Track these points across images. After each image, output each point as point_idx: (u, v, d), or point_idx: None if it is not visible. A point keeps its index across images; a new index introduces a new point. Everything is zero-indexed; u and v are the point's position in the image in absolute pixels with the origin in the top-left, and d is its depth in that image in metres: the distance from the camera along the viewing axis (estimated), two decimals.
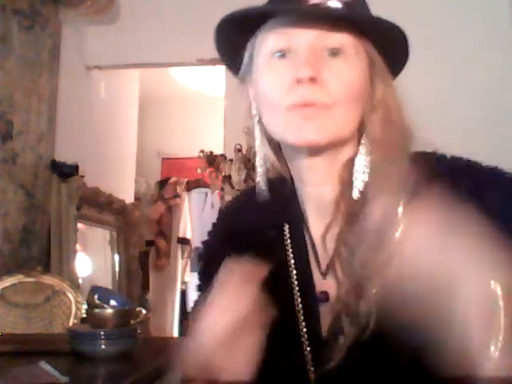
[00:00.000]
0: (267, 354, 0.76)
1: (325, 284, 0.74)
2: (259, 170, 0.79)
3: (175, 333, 4.52)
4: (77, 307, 2.22)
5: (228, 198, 3.14)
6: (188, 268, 4.68)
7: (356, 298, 0.66)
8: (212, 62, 3.23)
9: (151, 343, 1.80)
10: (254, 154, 0.80)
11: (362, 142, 0.73)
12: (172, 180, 4.70)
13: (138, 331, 1.44)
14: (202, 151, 3.34)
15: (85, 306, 2.16)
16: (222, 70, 3.30)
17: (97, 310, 1.49)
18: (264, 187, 0.79)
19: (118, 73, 3.81)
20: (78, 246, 3.09)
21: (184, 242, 4.62)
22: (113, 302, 1.71)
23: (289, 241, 0.79)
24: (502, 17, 2.91)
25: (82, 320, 2.08)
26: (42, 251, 2.86)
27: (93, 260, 3.45)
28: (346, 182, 0.73)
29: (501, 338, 0.55)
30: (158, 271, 4.49)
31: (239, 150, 3.07)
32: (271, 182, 0.80)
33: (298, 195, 0.80)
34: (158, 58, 3.39)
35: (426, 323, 0.64)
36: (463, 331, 0.58)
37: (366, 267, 0.66)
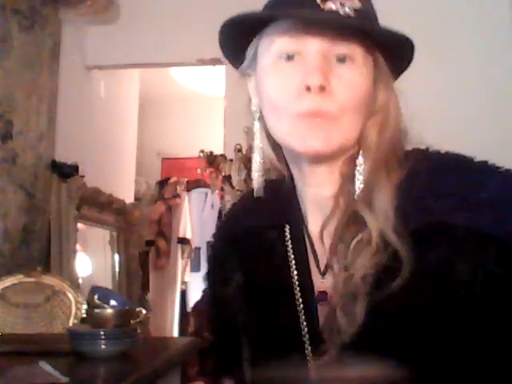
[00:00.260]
0: (268, 352, 0.76)
1: (324, 283, 0.74)
2: (257, 167, 0.79)
3: (175, 333, 4.52)
4: (77, 307, 2.21)
5: (228, 198, 3.14)
6: (188, 268, 4.67)
7: (352, 297, 0.67)
8: (212, 61, 3.23)
9: (151, 343, 1.80)
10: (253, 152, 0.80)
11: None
12: (172, 180, 4.70)
13: (138, 331, 1.45)
14: (202, 151, 3.34)
15: (85, 306, 2.16)
16: (221, 69, 3.30)
17: (97, 310, 1.49)
18: (260, 185, 0.79)
19: (118, 73, 3.81)
20: (78, 246, 3.09)
21: (184, 242, 4.62)
22: (113, 302, 1.72)
23: (289, 241, 0.79)
24: (501, 17, 2.91)
25: (82, 320, 2.08)
26: (42, 251, 2.86)
27: (93, 260, 3.45)
28: (346, 178, 0.73)
29: None
30: (157, 271, 4.49)
31: (239, 150, 3.07)
32: (271, 182, 0.80)
33: (297, 194, 0.80)
34: (158, 58, 3.39)
35: (420, 321, 0.65)
36: None
37: (361, 265, 0.67)
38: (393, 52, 0.72)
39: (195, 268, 4.68)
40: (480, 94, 2.83)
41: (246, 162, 3.04)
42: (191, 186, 4.71)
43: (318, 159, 0.73)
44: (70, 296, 2.25)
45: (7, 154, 2.63)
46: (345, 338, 0.67)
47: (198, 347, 1.94)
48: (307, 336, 0.73)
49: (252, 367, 0.79)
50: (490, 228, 0.64)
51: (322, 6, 0.68)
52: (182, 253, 4.63)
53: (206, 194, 4.63)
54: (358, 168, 0.72)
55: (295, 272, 0.76)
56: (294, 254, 0.78)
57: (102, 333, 1.34)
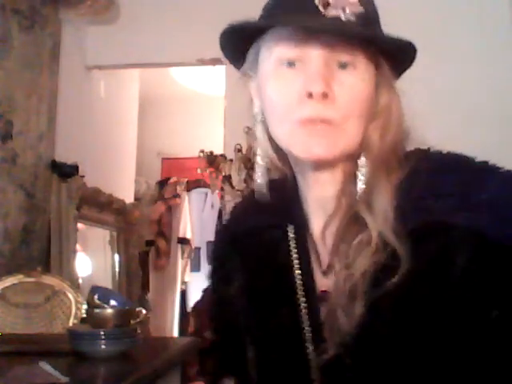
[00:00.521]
0: (270, 351, 0.77)
1: (326, 283, 0.75)
2: (260, 169, 0.79)
3: (175, 333, 4.52)
4: (77, 307, 2.21)
5: (228, 197, 3.14)
6: (188, 268, 4.67)
7: (352, 296, 0.67)
8: (212, 61, 3.23)
9: (151, 343, 1.80)
10: (254, 154, 0.80)
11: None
12: (172, 180, 4.70)
13: (138, 331, 1.45)
14: (202, 151, 3.34)
15: (85, 306, 2.16)
16: (221, 69, 3.30)
17: (97, 310, 1.49)
18: (264, 188, 0.78)
19: (118, 73, 3.81)
20: (78, 246, 3.09)
21: (184, 242, 4.62)
22: (113, 302, 1.72)
23: (293, 241, 0.79)
24: (501, 17, 2.91)
25: (82, 320, 2.08)
26: (42, 251, 2.86)
27: (93, 260, 3.45)
28: (348, 178, 0.73)
29: None
30: (157, 271, 4.49)
31: (239, 150, 3.07)
32: (273, 182, 0.80)
33: (300, 194, 0.80)
34: (158, 58, 3.39)
35: (418, 320, 0.65)
36: None
37: (361, 265, 0.67)
38: (395, 55, 0.72)
39: (195, 268, 4.68)
40: (480, 94, 2.82)
41: (246, 161, 3.04)
42: (191, 185, 4.71)
43: (321, 164, 0.73)
44: (70, 296, 2.25)
45: (7, 153, 2.63)
46: (345, 337, 0.67)
47: (198, 347, 1.95)
48: (309, 335, 0.74)
49: (256, 367, 0.79)
50: (488, 229, 0.64)
51: (323, 11, 0.67)
52: (182, 253, 4.63)
53: (206, 194, 4.63)
54: (359, 169, 0.72)
55: (298, 271, 0.77)
56: (296, 253, 0.78)
57: (101, 333, 1.34)
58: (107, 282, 3.51)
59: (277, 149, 0.77)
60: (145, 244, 4.13)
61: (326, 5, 0.67)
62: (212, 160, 3.29)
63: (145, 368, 1.35)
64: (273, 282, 0.79)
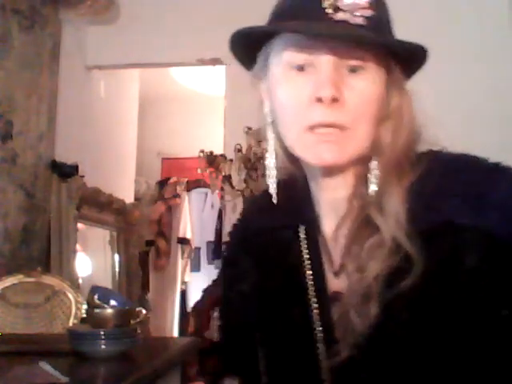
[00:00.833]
0: (282, 350, 0.77)
1: (338, 284, 0.74)
2: (269, 171, 0.78)
3: (175, 333, 4.52)
4: (77, 307, 2.21)
5: (228, 197, 3.14)
6: (188, 268, 4.68)
7: (365, 298, 0.67)
8: (212, 61, 3.24)
9: (151, 343, 1.80)
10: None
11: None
12: (172, 180, 4.70)
13: (138, 331, 1.44)
14: (202, 151, 3.34)
15: (85, 306, 2.16)
16: (222, 69, 3.30)
17: (97, 310, 1.49)
18: (275, 191, 0.78)
19: (118, 73, 3.81)
20: (78, 246, 3.09)
21: (184, 242, 4.62)
22: (113, 302, 1.72)
23: (304, 241, 0.79)
24: (501, 17, 2.91)
25: (82, 320, 2.08)
26: (42, 251, 2.86)
27: (93, 260, 3.45)
28: (360, 180, 0.73)
29: None
30: (157, 271, 4.49)
31: (239, 150, 3.07)
32: (283, 182, 0.80)
33: (311, 195, 0.80)
34: (158, 58, 3.39)
35: (431, 321, 0.65)
36: None
37: (374, 268, 0.67)
38: (405, 58, 0.71)
39: (195, 268, 4.69)
40: (479, 94, 2.82)
41: (246, 161, 3.04)
42: (191, 185, 4.71)
43: (331, 169, 0.73)
44: (70, 296, 2.25)
45: (7, 153, 2.63)
46: (358, 338, 0.67)
47: (198, 347, 1.95)
48: (320, 335, 0.74)
49: (265, 366, 0.79)
50: (498, 230, 0.65)
51: (332, 16, 0.66)
52: (182, 253, 4.63)
53: (206, 194, 4.63)
54: (371, 172, 0.72)
55: (309, 272, 0.77)
56: (308, 254, 0.78)
57: (102, 333, 1.34)
58: (107, 282, 3.51)
59: (286, 150, 0.77)
60: (145, 244, 4.13)
61: (335, 9, 0.66)
62: (212, 160, 3.29)
63: (145, 368, 1.35)
64: (284, 282, 0.79)
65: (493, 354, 0.65)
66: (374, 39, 0.68)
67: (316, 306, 0.75)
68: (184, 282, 4.66)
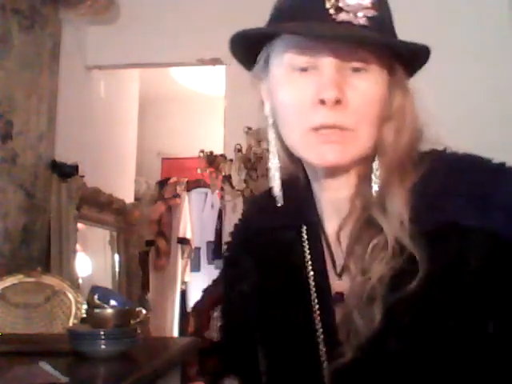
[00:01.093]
0: (282, 351, 0.76)
1: (340, 285, 0.74)
2: (271, 171, 0.77)
3: (175, 333, 4.52)
4: (77, 307, 2.21)
5: (228, 197, 3.14)
6: (188, 268, 4.68)
7: (369, 299, 0.67)
8: (212, 61, 3.24)
9: (151, 343, 1.80)
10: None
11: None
12: (172, 180, 4.70)
13: (138, 331, 1.44)
14: (202, 151, 3.34)
15: (85, 306, 2.16)
16: (222, 69, 3.30)
17: (97, 310, 1.49)
18: (279, 192, 0.78)
19: (118, 73, 3.81)
20: (78, 246, 3.09)
21: (184, 242, 4.62)
22: (113, 302, 1.72)
23: (306, 242, 0.79)
24: (501, 17, 2.91)
25: (82, 320, 2.08)
26: (42, 251, 2.86)
27: (93, 260, 3.45)
28: (363, 180, 0.73)
29: None
30: (158, 271, 4.49)
31: (239, 150, 3.07)
32: (285, 182, 0.80)
33: (313, 195, 0.79)
34: (158, 58, 3.39)
35: (436, 323, 0.65)
36: None
37: (378, 270, 0.67)
38: (408, 58, 0.71)
39: (195, 268, 4.69)
40: (479, 94, 2.82)
41: (246, 161, 3.04)
42: (191, 185, 4.71)
43: (334, 169, 0.73)
44: (70, 296, 2.25)
45: (7, 153, 2.63)
46: (362, 340, 0.67)
47: (198, 347, 1.94)
48: (322, 337, 0.73)
49: (266, 367, 0.79)
50: (503, 231, 0.64)
51: (334, 16, 0.65)
52: (182, 253, 4.63)
53: (206, 194, 4.64)
54: (374, 172, 0.72)
55: (311, 272, 0.76)
56: (310, 254, 0.77)
57: (101, 333, 1.34)
58: (107, 282, 3.51)
59: (287, 150, 0.76)
60: (145, 244, 4.13)
61: (338, 9, 0.65)
62: (212, 160, 3.29)
63: (145, 368, 1.35)
64: (286, 282, 0.78)
65: (496, 358, 0.65)
66: (378, 40, 0.68)
67: (318, 306, 0.74)
68: (184, 282, 4.66)
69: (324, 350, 0.73)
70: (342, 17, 0.65)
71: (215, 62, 3.21)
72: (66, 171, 2.98)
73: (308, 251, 0.78)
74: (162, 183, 4.73)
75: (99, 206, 3.39)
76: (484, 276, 0.65)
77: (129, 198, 3.99)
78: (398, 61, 0.71)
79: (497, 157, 0.71)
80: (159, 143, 5.14)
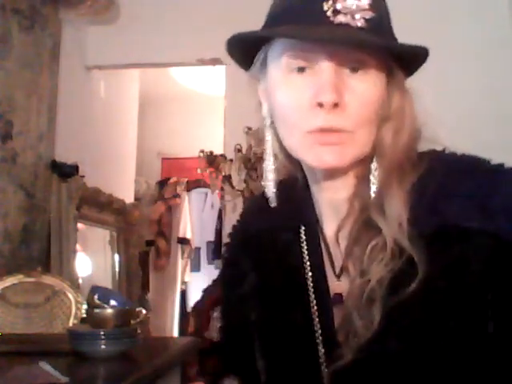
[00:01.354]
0: (282, 352, 0.76)
1: (339, 286, 0.74)
2: (269, 175, 0.77)
3: (175, 333, 4.52)
4: (77, 307, 2.21)
5: (228, 197, 3.14)
6: (188, 268, 4.68)
7: (368, 301, 0.67)
8: (212, 61, 3.23)
9: (151, 343, 1.80)
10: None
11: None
12: (172, 180, 4.70)
13: (138, 331, 1.44)
14: (202, 151, 3.34)
15: (85, 306, 2.15)
16: (221, 69, 3.30)
17: (97, 310, 1.49)
18: (272, 194, 0.78)
19: (118, 73, 3.81)
20: (78, 246, 3.09)
21: (184, 242, 4.62)
22: (113, 302, 1.71)
23: (305, 242, 0.78)
24: (501, 16, 2.91)
25: (82, 320, 2.08)
26: (42, 251, 2.86)
27: (93, 260, 3.44)
28: (361, 180, 0.73)
29: None
30: (158, 271, 4.49)
31: (239, 150, 3.07)
32: (283, 183, 0.79)
33: (312, 196, 0.79)
34: (158, 58, 3.39)
35: (436, 325, 0.65)
36: None
37: (377, 272, 0.66)
38: (406, 59, 0.70)
39: (195, 268, 4.69)
40: (477, 93, 2.82)
41: (246, 161, 3.04)
42: (191, 185, 4.71)
43: (333, 171, 0.72)
44: (70, 296, 2.25)
45: (7, 153, 2.63)
46: (361, 342, 0.66)
47: (198, 347, 1.94)
48: (321, 338, 0.73)
49: (265, 367, 0.79)
50: (504, 232, 0.64)
51: (332, 18, 0.65)
52: (182, 253, 4.64)
53: (206, 194, 4.64)
54: (372, 173, 0.71)
55: (310, 273, 0.76)
56: (309, 255, 0.77)
57: (101, 333, 1.34)
58: (107, 282, 3.51)
59: (286, 150, 0.76)
60: (145, 244, 4.13)
61: (335, 11, 0.65)
62: (212, 160, 3.29)
63: (145, 368, 1.35)
64: (284, 283, 0.78)
65: (496, 358, 0.65)
66: (376, 43, 0.67)
67: (317, 308, 0.74)
68: (184, 282, 4.66)
69: (323, 351, 0.72)
70: (340, 19, 0.65)
71: (215, 62, 3.21)
72: (65, 171, 2.98)
73: (306, 252, 0.77)
74: (162, 183, 4.74)
75: (99, 206, 3.39)
76: (485, 277, 0.64)
77: (129, 198, 3.99)
78: (396, 62, 0.70)
79: (495, 156, 0.71)
80: (159, 143, 5.14)
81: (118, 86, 3.90)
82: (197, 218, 4.70)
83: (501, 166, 0.70)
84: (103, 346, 1.34)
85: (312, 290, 0.75)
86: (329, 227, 0.77)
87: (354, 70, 0.68)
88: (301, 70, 0.69)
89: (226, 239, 0.94)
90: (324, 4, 0.65)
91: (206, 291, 3.18)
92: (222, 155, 3.25)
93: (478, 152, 0.72)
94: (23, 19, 2.76)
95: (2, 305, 2.20)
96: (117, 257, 3.65)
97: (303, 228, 0.79)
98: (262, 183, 0.78)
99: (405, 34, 0.72)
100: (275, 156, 0.77)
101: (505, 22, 2.89)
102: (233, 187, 3.10)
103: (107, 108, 3.69)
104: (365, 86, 0.68)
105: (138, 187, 4.47)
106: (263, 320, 0.80)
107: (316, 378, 0.72)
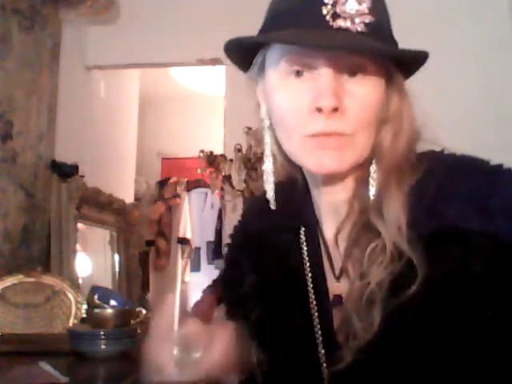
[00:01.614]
0: (281, 354, 0.76)
1: (338, 287, 0.74)
2: (269, 177, 0.77)
3: None
4: (77, 307, 2.21)
5: (228, 197, 3.14)
6: (188, 268, 4.68)
7: (368, 303, 0.66)
8: (212, 61, 3.24)
9: None
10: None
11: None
12: (172, 180, 4.70)
13: (138, 331, 1.45)
14: (202, 151, 3.34)
15: (85, 306, 2.16)
16: (221, 69, 3.30)
17: (97, 310, 1.49)
18: (272, 196, 0.77)
19: (118, 73, 3.81)
20: (78, 246, 3.09)
21: (184, 242, 4.62)
22: (113, 302, 1.72)
23: (305, 243, 0.78)
24: (500, 16, 2.91)
25: (82, 320, 2.08)
26: (42, 251, 2.86)
27: (93, 260, 3.44)
28: (361, 182, 0.73)
29: None
30: (158, 271, 4.49)
31: (239, 150, 3.07)
32: (282, 184, 0.79)
33: (312, 197, 0.79)
34: (158, 58, 3.39)
35: (435, 327, 0.65)
36: None
37: (377, 274, 0.66)
38: (406, 63, 0.70)
39: (195, 268, 4.69)
40: (476, 94, 2.82)
41: (246, 161, 3.04)
42: (191, 185, 4.71)
43: (332, 175, 0.72)
44: (70, 296, 2.25)
45: (7, 153, 2.63)
46: (361, 344, 0.66)
47: None
48: (321, 339, 0.73)
49: (264, 368, 0.79)
50: (503, 233, 0.64)
51: (331, 23, 0.64)
52: (182, 253, 4.64)
53: (206, 194, 4.64)
54: (371, 176, 0.71)
55: (310, 275, 0.76)
56: (308, 256, 0.77)
57: (101, 333, 1.35)
58: (107, 282, 3.51)
59: (285, 153, 0.76)
60: (145, 244, 4.13)
61: (335, 16, 0.64)
62: (212, 160, 3.29)
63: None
64: (284, 284, 0.78)
65: (497, 361, 0.65)
66: (375, 49, 0.67)
67: (316, 309, 0.74)
68: (184, 282, 4.67)
69: (323, 352, 0.72)
70: (339, 23, 0.64)
71: (215, 62, 3.21)
72: (66, 171, 2.98)
73: (306, 253, 0.77)
74: (162, 183, 4.74)
75: (99, 206, 3.39)
76: (484, 279, 0.64)
77: (129, 198, 3.99)
78: (396, 65, 0.70)
79: (494, 157, 0.71)
80: (159, 143, 5.14)
81: (118, 85, 3.90)
82: (197, 218, 4.70)
83: (500, 166, 0.69)
84: (103, 346, 1.34)
85: (312, 291, 0.75)
86: (328, 229, 0.77)
87: (353, 73, 0.67)
88: (299, 73, 0.68)
89: (225, 239, 0.94)
90: (323, 8, 0.65)
91: (206, 291, 3.18)
92: (222, 155, 3.25)
93: (477, 153, 0.72)
94: (23, 19, 2.76)
95: (1, 305, 2.20)
96: (117, 257, 3.65)
97: (303, 229, 0.79)
98: (264, 185, 0.78)
99: (404, 35, 0.72)
100: (274, 157, 0.77)
101: (504, 23, 2.89)
102: (233, 187, 3.11)
103: (107, 108, 3.69)
104: (364, 90, 0.68)
105: (138, 187, 4.47)
106: (263, 320, 0.80)
107: (316, 379, 0.72)
